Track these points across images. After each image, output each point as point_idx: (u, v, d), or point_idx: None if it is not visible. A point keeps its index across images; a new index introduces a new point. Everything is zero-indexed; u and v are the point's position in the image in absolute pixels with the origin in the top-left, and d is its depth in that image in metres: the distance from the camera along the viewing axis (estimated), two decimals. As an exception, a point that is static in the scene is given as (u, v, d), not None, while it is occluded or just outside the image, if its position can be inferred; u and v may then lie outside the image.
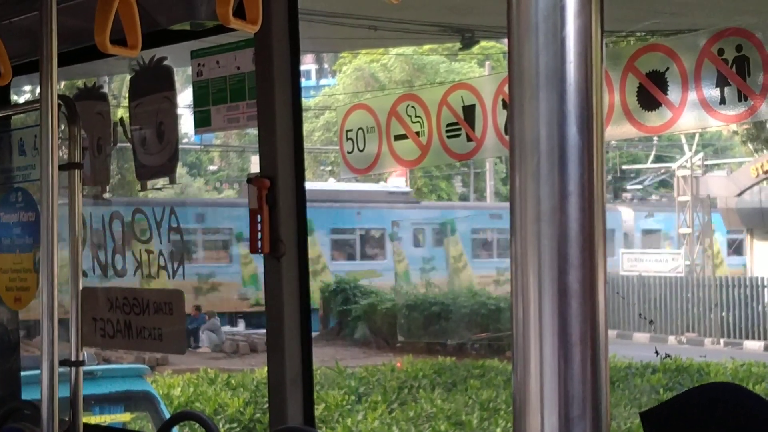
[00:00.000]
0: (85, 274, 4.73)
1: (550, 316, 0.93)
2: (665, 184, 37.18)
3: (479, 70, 34.89)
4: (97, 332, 4.79)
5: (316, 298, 23.08)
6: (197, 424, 4.50)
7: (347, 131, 4.43)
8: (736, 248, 33.10)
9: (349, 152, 4.43)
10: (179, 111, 4.80)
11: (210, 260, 26.65)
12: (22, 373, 5.68)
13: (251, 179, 4.10)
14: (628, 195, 39.16)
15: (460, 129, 4.10)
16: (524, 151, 0.94)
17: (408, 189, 31.01)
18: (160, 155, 4.63)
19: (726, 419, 2.28)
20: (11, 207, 5.19)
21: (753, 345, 22.29)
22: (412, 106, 4.23)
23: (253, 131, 4.33)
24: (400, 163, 4.37)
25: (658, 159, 36.46)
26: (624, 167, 38.04)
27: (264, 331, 4.37)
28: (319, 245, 27.29)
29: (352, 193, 28.69)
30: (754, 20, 3.46)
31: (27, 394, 5.41)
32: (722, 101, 3.41)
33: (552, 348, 0.92)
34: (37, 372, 3.95)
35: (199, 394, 13.69)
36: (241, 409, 12.95)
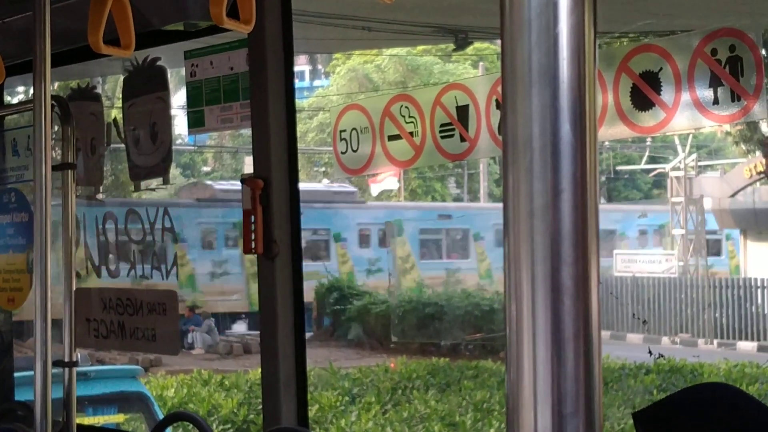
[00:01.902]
0: (78, 275, 4.72)
1: (543, 313, 0.93)
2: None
3: (473, 71, 34.86)
4: (90, 333, 4.78)
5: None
6: (191, 425, 4.50)
7: (341, 132, 4.43)
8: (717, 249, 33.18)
9: (342, 153, 4.43)
10: (173, 112, 4.79)
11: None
12: (15, 374, 5.67)
13: (245, 180, 4.10)
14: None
15: (453, 129, 4.10)
16: (517, 148, 0.94)
17: (353, 189, 31.23)
18: (153, 155, 4.63)
19: (719, 419, 2.28)
20: (4, 208, 5.18)
21: (746, 346, 22.31)
22: (406, 107, 4.23)
23: (247, 132, 4.32)
24: (393, 164, 4.37)
25: (652, 160, 36.50)
26: (618, 168, 38.08)
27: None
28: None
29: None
30: (747, 21, 3.47)
31: (20, 395, 5.41)
32: (715, 101, 3.42)
33: (545, 345, 0.92)
34: (31, 373, 3.95)
35: (192, 395, 13.68)
36: (235, 410, 12.94)
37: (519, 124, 0.94)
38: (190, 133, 4.56)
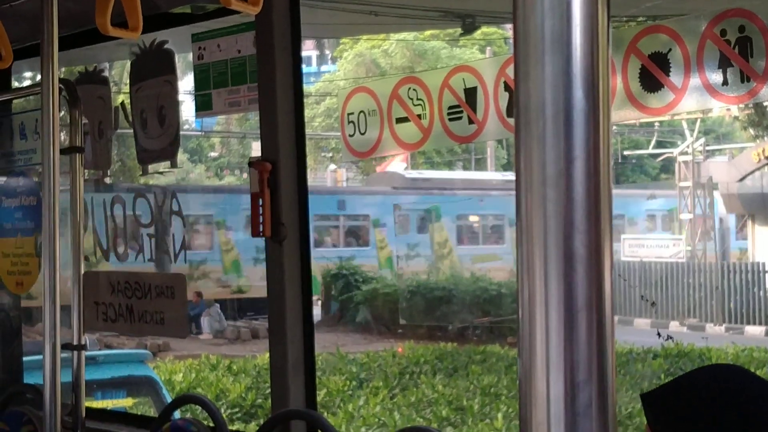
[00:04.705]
0: (86, 258, 4.72)
1: (555, 282, 0.92)
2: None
3: (480, 55, 34.79)
4: (98, 316, 4.79)
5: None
6: (199, 409, 4.51)
7: (349, 115, 4.42)
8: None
9: (350, 136, 4.41)
10: (180, 97, 4.79)
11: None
12: (24, 358, 5.69)
13: (252, 162, 4.10)
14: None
15: (461, 112, 4.09)
16: (529, 115, 0.94)
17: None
18: (161, 139, 4.63)
19: (728, 400, 2.27)
20: (13, 191, 5.19)
21: (754, 330, 22.29)
22: (414, 89, 4.22)
23: (254, 117, 4.32)
24: (401, 147, 4.36)
25: (660, 144, 36.44)
26: (626, 153, 38.01)
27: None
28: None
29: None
30: (756, 2, 3.45)
31: (29, 379, 5.42)
32: (725, 82, 3.40)
33: (557, 312, 0.92)
34: (39, 357, 3.96)
35: (201, 379, 13.72)
36: (243, 395, 12.98)
37: (531, 91, 0.94)
38: (197, 116, 4.56)
